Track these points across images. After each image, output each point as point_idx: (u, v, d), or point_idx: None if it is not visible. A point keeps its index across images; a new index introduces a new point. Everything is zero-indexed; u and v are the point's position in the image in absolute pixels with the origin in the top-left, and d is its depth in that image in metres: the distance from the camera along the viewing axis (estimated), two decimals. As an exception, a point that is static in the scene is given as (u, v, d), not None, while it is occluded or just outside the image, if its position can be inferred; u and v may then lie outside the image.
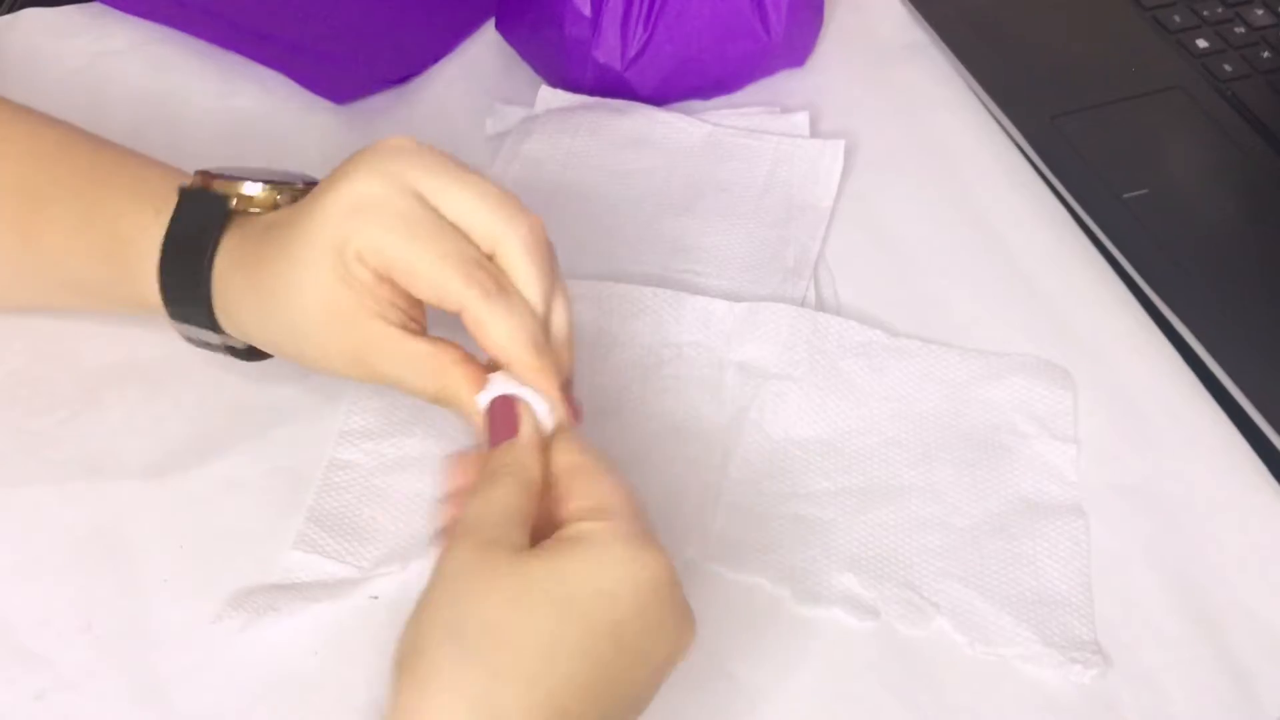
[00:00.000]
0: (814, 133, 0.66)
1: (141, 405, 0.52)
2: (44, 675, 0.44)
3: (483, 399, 0.42)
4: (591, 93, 0.66)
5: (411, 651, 0.35)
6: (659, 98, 0.66)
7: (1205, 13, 0.73)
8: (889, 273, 0.59)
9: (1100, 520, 0.50)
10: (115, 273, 0.48)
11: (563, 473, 0.40)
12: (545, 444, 0.41)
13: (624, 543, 0.37)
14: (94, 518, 0.49)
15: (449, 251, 0.41)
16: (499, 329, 0.41)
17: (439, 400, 0.43)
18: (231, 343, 0.48)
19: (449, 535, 0.38)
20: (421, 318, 0.44)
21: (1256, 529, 0.50)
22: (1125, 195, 0.63)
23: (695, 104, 0.67)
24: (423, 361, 0.42)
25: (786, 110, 0.67)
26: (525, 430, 0.41)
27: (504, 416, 0.41)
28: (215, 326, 0.46)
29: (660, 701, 0.44)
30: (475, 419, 0.42)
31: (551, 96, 0.66)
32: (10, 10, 0.71)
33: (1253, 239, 0.61)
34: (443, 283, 0.41)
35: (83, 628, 0.45)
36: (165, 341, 0.51)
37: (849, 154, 0.63)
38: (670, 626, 0.38)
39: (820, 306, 0.57)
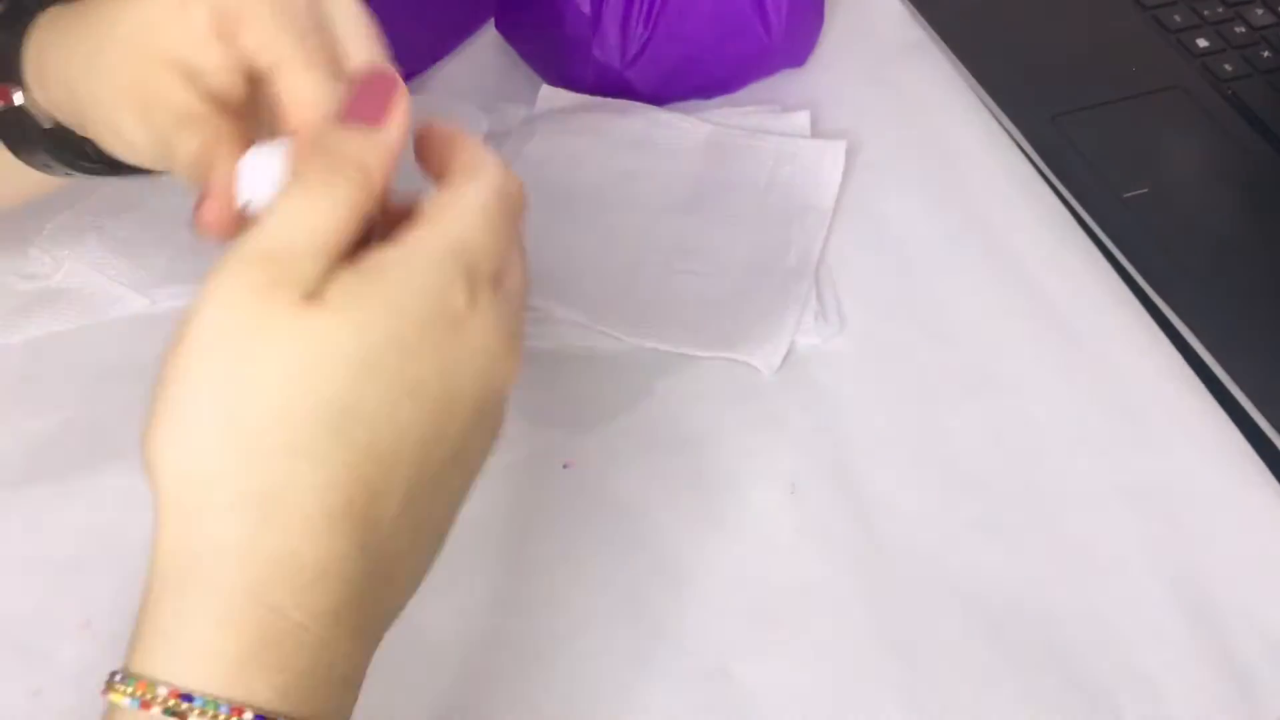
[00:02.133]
0: (814, 132, 0.66)
1: (142, 405, 0.52)
2: (42, 672, 0.44)
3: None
4: (592, 92, 0.66)
5: (163, 439, 0.30)
6: (659, 97, 0.66)
7: (1205, 12, 0.73)
8: (889, 272, 0.59)
9: (1100, 520, 0.50)
10: None
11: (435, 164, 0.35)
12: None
13: (417, 273, 0.31)
14: (94, 517, 0.48)
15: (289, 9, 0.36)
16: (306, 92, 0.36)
17: (194, 170, 0.36)
18: (40, 118, 0.42)
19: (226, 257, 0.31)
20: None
21: (1256, 529, 0.50)
22: (1125, 195, 0.63)
23: (696, 103, 0.67)
24: (196, 121, 0.37)
25: (787, 110, 0.67)
26: (394, 123, 0.34)
27: (372, 97, 0.34)
28: (20, 82, 0.41)
29: (660, 701, 0.44)
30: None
31: (553, 96, 0.66)
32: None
33: (1253, 239, 0.61)
34: (275, 30, 0.36)
35: (82, 625, 0.45)
36: (165, 340, 0.51)
37: (849, 154, 0.63)
38: (482, 370, 0.32)
39: (821, 306, 0.57)
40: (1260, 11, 0.73)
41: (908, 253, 0.60)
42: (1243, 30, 0.72)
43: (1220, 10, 0.73)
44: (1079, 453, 0.52)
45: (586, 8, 0.64)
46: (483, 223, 0.33)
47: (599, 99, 0.66)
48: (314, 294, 0.30)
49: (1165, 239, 0.61)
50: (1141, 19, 0.73)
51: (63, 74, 0.40)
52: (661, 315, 0.56)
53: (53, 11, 0.42)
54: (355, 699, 0.32)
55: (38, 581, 0.47)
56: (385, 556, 0.31)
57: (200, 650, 0.29)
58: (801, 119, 0.66)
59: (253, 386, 0.30)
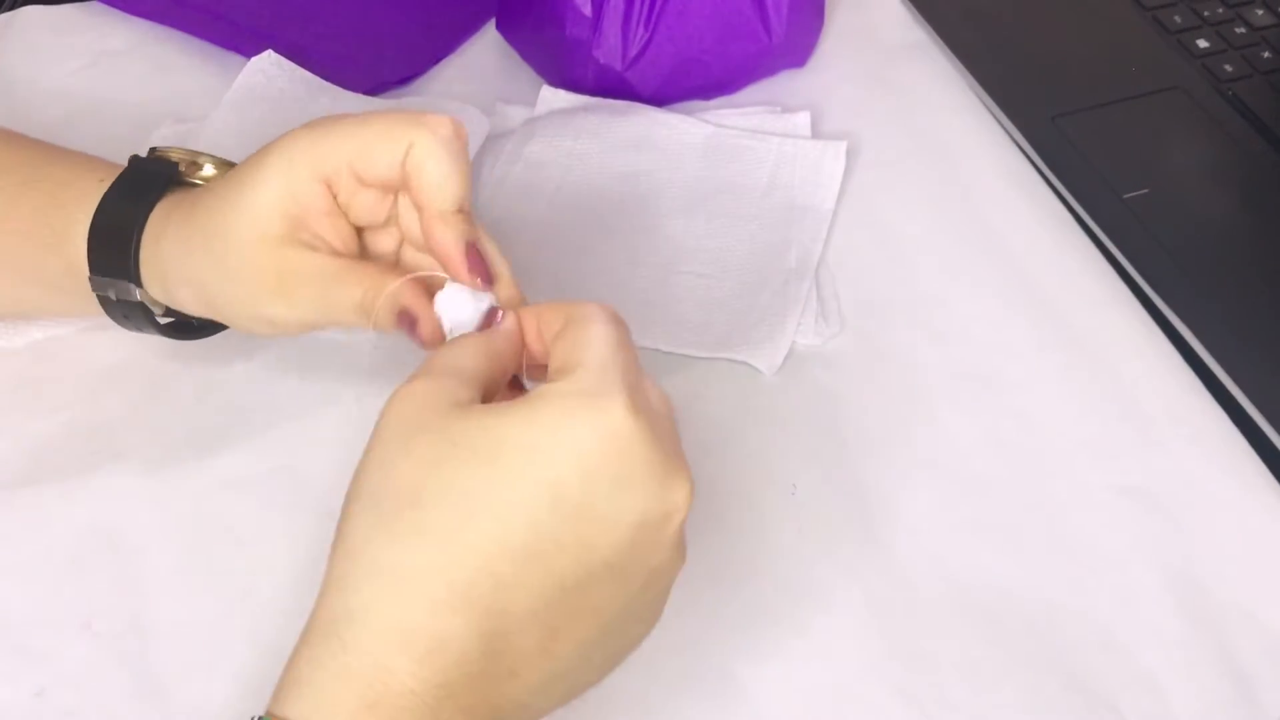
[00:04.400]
0: (814, 133, 0.66)
1: (142, 405, 0.52)
2: (44, 672, 0.44)
3: (444, 295, 0.41)
4: (592, 93, 0.66)
5: (342, 519, 0.34)
6: (660, 98, 0.66)
7: (1205, 13, 0.73)
8: (889, 272, 0.59)
9: (1100, 520, 0.50)
10: (48, 233, 0.46)
11: (555, 334, 0.38)
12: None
13: (569, 397, 0.34)
14: (94, 517, 0.49)
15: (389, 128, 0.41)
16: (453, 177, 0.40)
17: (364, 310, 0.41)
18: (154, 307, 0.47)
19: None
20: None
21: (1256, 529, 0.50)
22: (1125, 195, 0.63)
23: (696, 104, 0.67)
24: (348, 271, 0.42)
25: (788, 110, 0.67)
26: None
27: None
28: (137, 280, 0.45)
29: (660, 701, 0.44)
30: (418, 317, 0.40)
31: (553, 97, 0.66)
32: (9, 9, 0.71)
33: (1253, 239, 0.61)
34: (394, 136, 0.41)
35: (83, 625, 0.45)
36: (165, 341, 0.51)
37: (849, 154, 0.63)
38: (636, 483, 0.34)
39: (822, 307, 0.57)
40: (1260, 12, 0.73)
41: (908, 253, 0.60)
42: (1243, 31, 0.72)
43: (1220, 11, 0.73)
44: (1079, 453, 0.52)
45: (587, 9, 0.64)
46: (616, 337, 0.37)
47: (599, 100, 0.66)
48: (467, 404, 0.35)
49: (1165, 239, 0.61)
50: (1141, 19, 0.73)
51: (186, 274, 0.44)
52: (662, 316, 0.56)
53: (168, 203, 0.45)
54: None
55: (39, 582, 0.47)
56: (508, 649, 0.33)
57: (325, 698, 0.32)
58: (802, 119, 0.66)
59: (399, 474, 0.34)
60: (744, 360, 0.55)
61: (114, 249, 0.45)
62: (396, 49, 0.70)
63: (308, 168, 0.41)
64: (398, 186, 0.42)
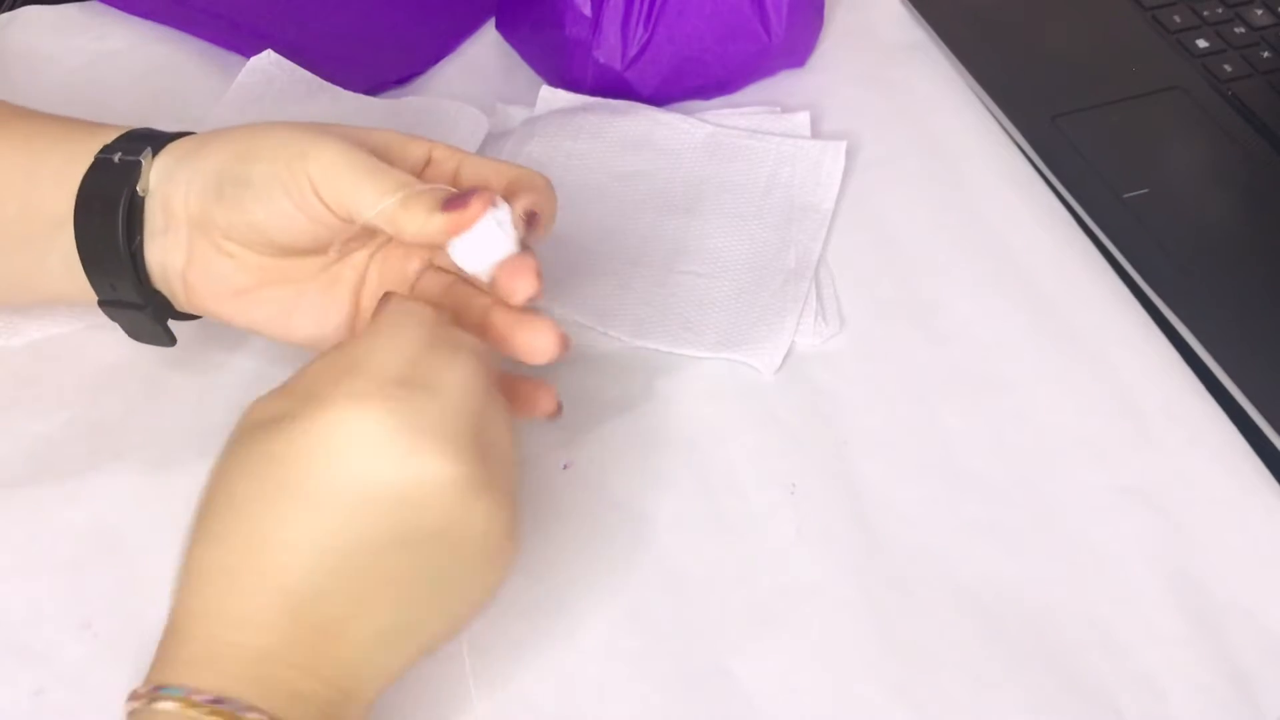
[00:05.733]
0: (814, 133, 0.66)
1: (141, 405, 0.52)
2: (43, 672, 0.44)
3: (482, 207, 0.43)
4: (592, 93, 0.66)
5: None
6: (659, 98, 0.66)
7: (1205, 13, 0.73)
8: (889, 273, 0.59)
9: (1100, 520, 0.50)
10: (28, 191, 0.46)
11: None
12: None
13: (335, 403, 0.37)
14: (94, 517, 0.49)
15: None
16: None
17: (404, 185, 0.42)
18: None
19: None
20: None
21: (1256, 529, 0.50)
22: (1125, 195, 0.63)
23: (696, 104, 0.67)
24: (400, 175, 0.43)
25: (787, 110, 0.67)
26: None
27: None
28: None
29: (660, 700, 0.44)
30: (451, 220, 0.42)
31: (552, 97, 0.66)
32: (9, 9, 0.71)
33: (1253, 239, 0.61)
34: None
35: (82, 625, 0.45)
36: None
37: (849, 154, 0.63)
38: (403, 472, 0.37)
39: (821, 307, 0.57)
40: (1260, 12, 0.73)
41: (908, 253, 0.60)
42: (1243, 31, 0.72)
43: (1220, 11, 0.73)
44: (1079, 452, 0.52)
45: (587, 9, 0.64)
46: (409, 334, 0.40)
47: (599, 100, 0.66)
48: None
49: (1165, 239, 0.61)
50: (1141, 19, 0.73)
51: (237, 131, 0.45)
52: (662, 316, 0.56)
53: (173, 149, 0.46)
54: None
55: (38, 582, 0.47)
56: (318, 615, 0.37)
57: (171, 667, 0.38)
58: (801, 119, 0.66)
59: (223, 481, 0.39)
60: (743, 360, 0.55)
61: (147, 134, 0.46)
62: (396, 49, 0.70)
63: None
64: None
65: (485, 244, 0.43)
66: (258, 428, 0.38)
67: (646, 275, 0.58)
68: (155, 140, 0.46)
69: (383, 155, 0.44)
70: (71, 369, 0.53)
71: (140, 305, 0.46)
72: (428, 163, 0.46)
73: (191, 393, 0.53)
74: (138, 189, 0.44)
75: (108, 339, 0.54)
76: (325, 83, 0.65)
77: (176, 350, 0.51)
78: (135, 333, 0.49)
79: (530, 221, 0.44)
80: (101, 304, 0.47)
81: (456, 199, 0.42)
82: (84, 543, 0.48)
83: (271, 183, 0.43)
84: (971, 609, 0.47)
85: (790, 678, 0.45)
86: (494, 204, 0.42)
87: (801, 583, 0.48)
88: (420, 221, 0.42)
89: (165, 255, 0.45)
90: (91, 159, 0.45)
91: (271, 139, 0.43)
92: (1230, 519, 0.50)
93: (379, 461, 0.37)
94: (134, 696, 0.36)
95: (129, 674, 0.44)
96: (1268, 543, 0.50)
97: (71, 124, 0.47)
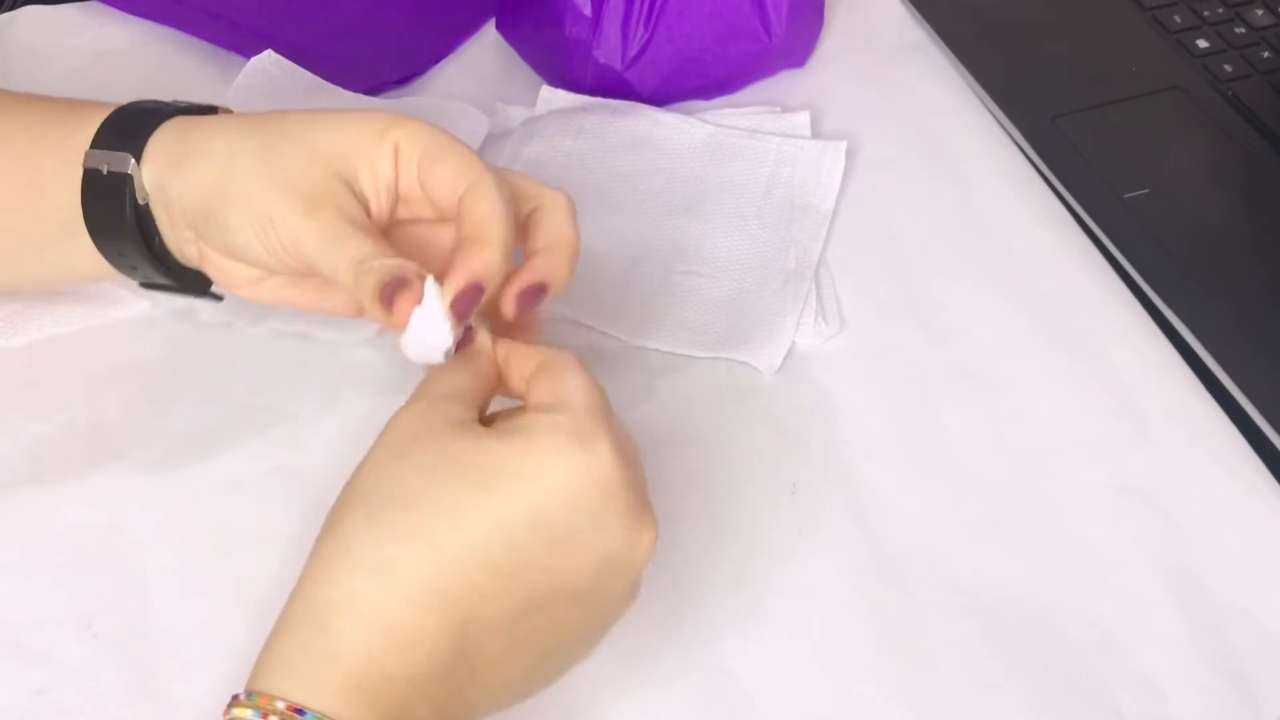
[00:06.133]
0: (814, 133, 0.66)
1: (141, 405, 0.52)
2: (44, 672, 0.44)
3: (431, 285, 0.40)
4: (592, 93, 0.66)
5: (332, 512, 0.37)
6: (659, 98, 0.66)
7: (1205, 13, 0.73)
8: (889, 273, 0.59)
9: (1100, 520, 0.50)
10: (40, 164, 0.46)
11: (531, 372, 0.40)
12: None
13: (562, 433, 0.36)
14: (94, 517, 0.49)
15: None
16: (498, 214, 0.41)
17: (361, 261, 0.40)
18: (139, 195, 0.45)
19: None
20: None
21: (1256, 529, 0.50)
22: (1125, 195, 0.63)
23: (696, 104, 0.67)
24: (369, 232, 0.41)
25: (787, 110, 0.67)
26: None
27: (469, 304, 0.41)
28: (138, 156, 0.45)
29: (659, 700, 0.44)
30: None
31: (552, 97, 0.66)
32: (9, 9, 0.71)
33: (1253, 239, 0.61)
34: (471, 162, 0.42)
35: (82, 625, 0.45)
36: (165, 341, 0.51)
37: (849, 154, 0.63)
38: (612, 523, 0.37)
39: (821, 307, 0.57)
40: (1260, 12, 0.73)
41: (908, 253, 0.60)
42: (1243, 31, 0.72)
43: (1220, 11, 0.73)
44: (1079, 452, 0.52)
45: (587, 9, 0.64)
46: (593, 384, 0.40)
47: (599, 100, 0.66)
48: (461, 424, 0.38)
49: (1165, 239, 0.61)
50: (1141, 19, 0.73)
51: (213, 156, 0.44)
52: (662, 316, 0.56)
53: (205, 117, 0.46)
54: None
55: (39, 582, 0.47)
56: (473, 653, 0.36)
57: (313, 678, 0.34)
58: (801, 119, 0.66)
59: (395, 477, 0.36)
60: (743, 360, 0.55)
61: (127, 125, 0.46)
62: (396, 49, 0.70)
63: (399, 139, 0.43)
64: (445, 209, 0.43)
65: (421, 340, 0.40)
66: (461, 428, 0.37)
67: (646, 275, 0.58)
68: (135, 134, 0.45)
69: (423, 161, 0.43)
70: (71, 369, 0.53)
71: (176, 287, 0.48)
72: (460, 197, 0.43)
73: (191, 393, 0.53)
74: (138, 199, 0.45)
75: (108, 339, 0.54)
76: (325, 83, 0.65)
77: (177, 350, 0.51)
78: (182, 295, 0.50)
79: (528, 296, 0.43)
80: (142, 285, 0.49)
81: (388, 291, 0.40)
82: (84, 543, 0.48)
83: (245, 232, 0.43)
84: (971, 609, 0.47)
85: (790, 678, 0.45)
86: (419, 302, 0.40)
87: (801, 583, 0.48)
88: (368, 303, 0.41)
89: (182, 248, 0.46)
90: (81, 160, 0.45)
91: (236, 195, 0.43)
92: (1230, 519, 0.50)
93: (611, 516, 0.37)
94: (257, 706, 0.34)
95: (129, 674, 0.44)
96: (1268, 543, 0.50)
97: (57, 116, 0.48)
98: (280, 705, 0.33)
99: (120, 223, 0.45)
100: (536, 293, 0.42)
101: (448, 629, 0.35)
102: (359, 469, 0.37)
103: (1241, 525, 0.50)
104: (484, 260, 0.41)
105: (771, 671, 0.45)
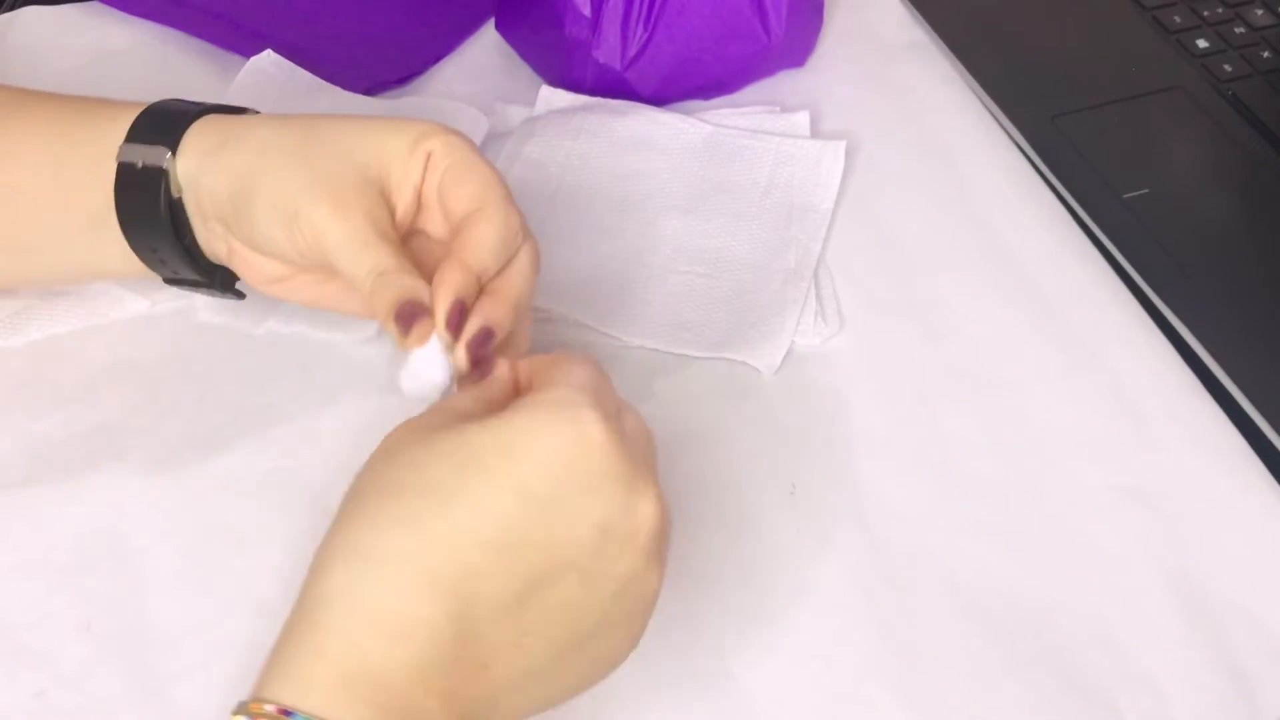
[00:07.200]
0: (814, 132, 0.66)
1: (141, 405, 0.52)
2: (44, 673, 0.44)
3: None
4: (592, 93, 0.66)
5: (332, 522, 0.37)
6: (659, 98, 0.66)
7: (1205, 13, 0.73)
8: (889, 273, 0.59)
9: (1100, 520, 0.50)
10: (75, 159, 0.47)
11: (531, 375, 0.40)
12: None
13: (545, 406, 0.36)
14: (94, 518, 0.49)
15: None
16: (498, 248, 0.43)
17: (379, 273, 0.41)
18: (174, 189, 0.46)
19: None
20: None
21: (1256, 529, 0.50)
22: (1125, 195, 0.63)
23: (695, 104, 0.67)
24: (394, 244, 0.42)
25: (787, 110, 0.67)
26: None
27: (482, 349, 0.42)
28: (174, 149, 0.45)
29: (659, 700, 0.44)
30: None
31: (552, 96, 0.66)
32: (9, 9, 0.71)
33: (1253, 239, 0.61)
34: (493, 184, 0.43)
35: (82, 626, 0.45)
36: (165, 341, 0.51)
37: (849, 154, 0.63)
38: (604, 488, 0.36)
39: (821, 307, 0.57)
40: (1260, 12, 0.73)
41: (908, 253, 0.60)
42: (1243, 31, 0.72)
43: (1220, 11, 0.73)
44: (1078, 453, 0.52)
45: (586, 9, 0.64)
46: (595, 372, 0.39)
47: (599, 100, 0.66)
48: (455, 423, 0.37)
49: (1165, 239, 0.61)
50: (1141, 19, 0.73)
51: (248, 147, 0.44)
52: (662, 315, 0.56)
53: (240, 115, 0.47)
54: None
55: (39, 583, 0.47)
56: (478, 638, 0.35)
57: (301, 675, 0.34)
58: (801, 119, 0.66)
59: (381, 474, 0.36)
60: (743, 360, 0.55)
61: (162, 121, 0.46)
62: (396, 49, 0.70)
63: (433, 148, 0.44)
64: (452, 224, 0.44)
65: (419, 374, 0.41)
66: (446, 427, 0.37)
67: (646, 275, 0.58)
68: (170, 130, 0.46)
69: (447, 177, 0.44)
70: (71, 369, 0.53)
71: (204, 283, 0.49)
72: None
73: (191, 393, 0.53)
74: (172, 192, 0.46)
75: (108, 339, 0.54)
76: (325, 83, 0.65)
77: (177, 350, 0.51)
78: (207, 291, 0.50)
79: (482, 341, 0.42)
80: (167, 281, 0.49)
81: (403, 316, 0.41)
82: (84, 543, 0.48)
83: (271, 226, 0.43)
84: (971, 609, 0.47)
85: (790, 678, 0.45)
86: (424, 341, 0.41)
87: (801, 583, 0.48)
88: (382, 316, 0.41)
89: (211, 243, 0.47)
90: (114, 154, 0.46)
91: (267, 186, 0.43)
92: (1230, 519, 0.50)
93: (601, 483, 0.36)
94: (252, 712, 0.34)
95: (129, 674, 0.44)
96: (1268, 543, 0.50)
97: (85, 113, 0.48)
98: (270, 709, 0.33)
99: (154, 217, 0.46)
100: (486, 338, 0.42)
101: (446, 613, 0.34)
102: (354, 479, 0.37)
103: (1241, 525, 0.50)
104: (466, 282, 0.42)
105: (771, 671, 0.45)
